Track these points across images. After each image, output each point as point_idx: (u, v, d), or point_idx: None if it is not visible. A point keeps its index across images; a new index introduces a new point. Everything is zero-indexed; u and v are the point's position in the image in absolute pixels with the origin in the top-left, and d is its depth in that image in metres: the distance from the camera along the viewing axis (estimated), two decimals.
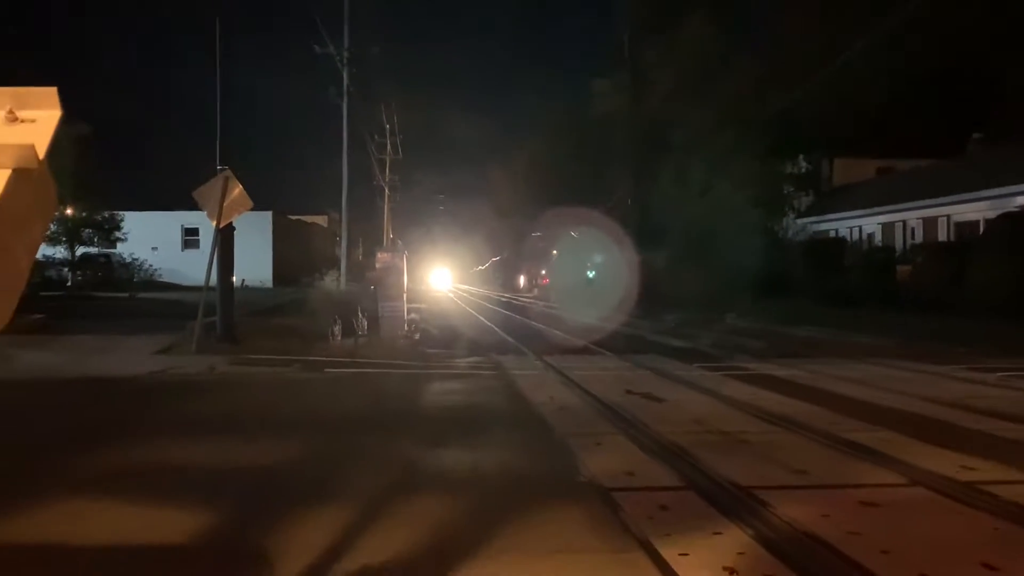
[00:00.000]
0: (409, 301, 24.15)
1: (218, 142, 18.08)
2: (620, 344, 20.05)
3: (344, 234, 36.84)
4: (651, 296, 36.12)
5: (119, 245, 45.46)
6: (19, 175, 2.28)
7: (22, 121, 2.40)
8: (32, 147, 2.30)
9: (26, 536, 5.28)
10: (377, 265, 23.02)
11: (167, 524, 5.49)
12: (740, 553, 4.83)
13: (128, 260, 46.82)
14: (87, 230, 42.96)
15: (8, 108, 2.40)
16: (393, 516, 5.63)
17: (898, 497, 6.16)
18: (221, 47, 18.04)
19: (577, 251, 56.23)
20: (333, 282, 32.49)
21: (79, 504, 5.94)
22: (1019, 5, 36.09)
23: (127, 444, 8.21)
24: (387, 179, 61.23)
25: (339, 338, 18.22)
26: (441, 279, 66.30)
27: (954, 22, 36.48)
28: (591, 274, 52.28)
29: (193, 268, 37.64)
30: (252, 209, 17.90)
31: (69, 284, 41.15)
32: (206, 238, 46.39)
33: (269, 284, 51.53)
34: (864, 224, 40.23)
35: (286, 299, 31.95)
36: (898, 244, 36.72)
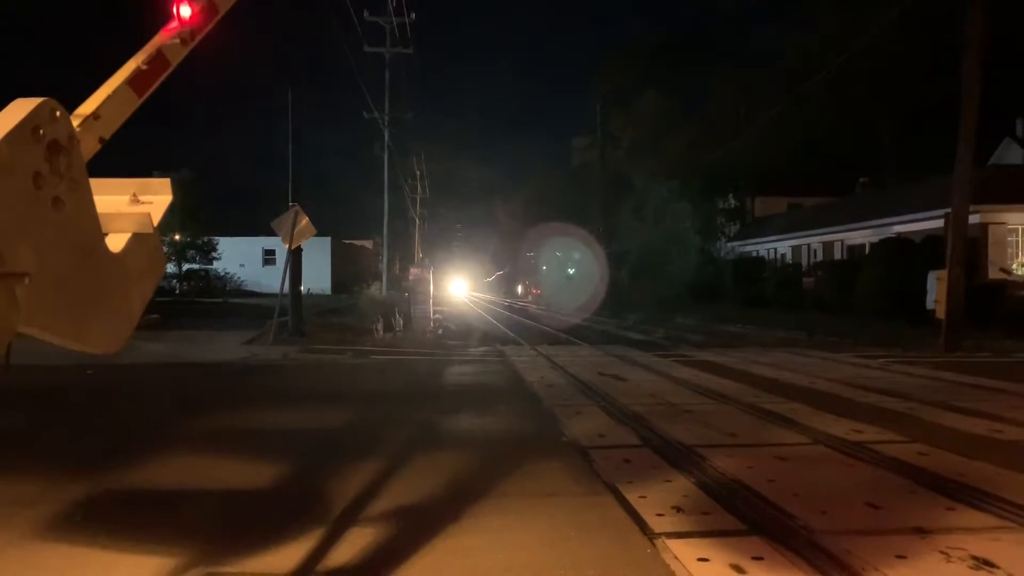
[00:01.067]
0: (434, 305, 24.14)
1: (290, 184, 18.12)
2: (593, 337, 20.04)
3: (385, 254, 37.06)
4: (617, 301, 36.11)
5: (215, 262, 45.49)
6: (137, 238, 2.34)
7: (142, 202, 2.47)
8: (148, 215, 2.38)
9: (150, 482, 5.29)
10: (410, 277, 23.09)
11: (253, 472, 5.49)
12: (685, 495, 4.83)
13: (222, 274, 46.78)
14: (191, 251, 43.14)
15: (133, 193, 2.46)
16: (421, 466, 5.63)
17: (804, 453, 6.15)
18: (293, 112, 18.09)
19: (560, 267, 56.24)
20: (377, 290, 32.53)
21: (188, 458, 5.94)
22: (891, 87, 36.28)
23: (223, 412, 8.22)
24: (418, 212, 61.33)
25: (381, 332, 18.21)
26: (459, 288, 66.04)
27: (845, 95, 36.65)
28: (570, 284, 52.19)
29: (271, 280, 37.67)
30: (316, 235, 17.90)
31: (177, 292, 41.18)
32: (281, 257, 46.32)
33: (328, 292, 51.41)
34: (778, 246, 40.23)
35: (341, 303, 31.93)
36: (804, 261, 36.72)
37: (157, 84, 2.74)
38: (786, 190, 45.40)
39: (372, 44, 32.88)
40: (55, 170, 1.93)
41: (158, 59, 2.74)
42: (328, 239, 53.77)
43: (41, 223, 1.86)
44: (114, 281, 2.23)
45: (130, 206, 2.44)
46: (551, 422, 7.53)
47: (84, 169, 2.08)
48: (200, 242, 43.38)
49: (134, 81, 2.69)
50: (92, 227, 2.11)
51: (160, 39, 2.82)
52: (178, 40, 2.80)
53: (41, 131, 1.90)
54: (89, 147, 2.35)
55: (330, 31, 28.95)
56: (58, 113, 1.98)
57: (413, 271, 24.17)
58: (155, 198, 2.49)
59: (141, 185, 2.50)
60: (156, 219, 2.41)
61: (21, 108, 1.89)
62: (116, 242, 2.29)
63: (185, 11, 2.76)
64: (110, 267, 2.21)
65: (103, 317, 2.18)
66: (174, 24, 2.83)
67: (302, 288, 18.83)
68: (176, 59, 2.81)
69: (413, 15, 32.91)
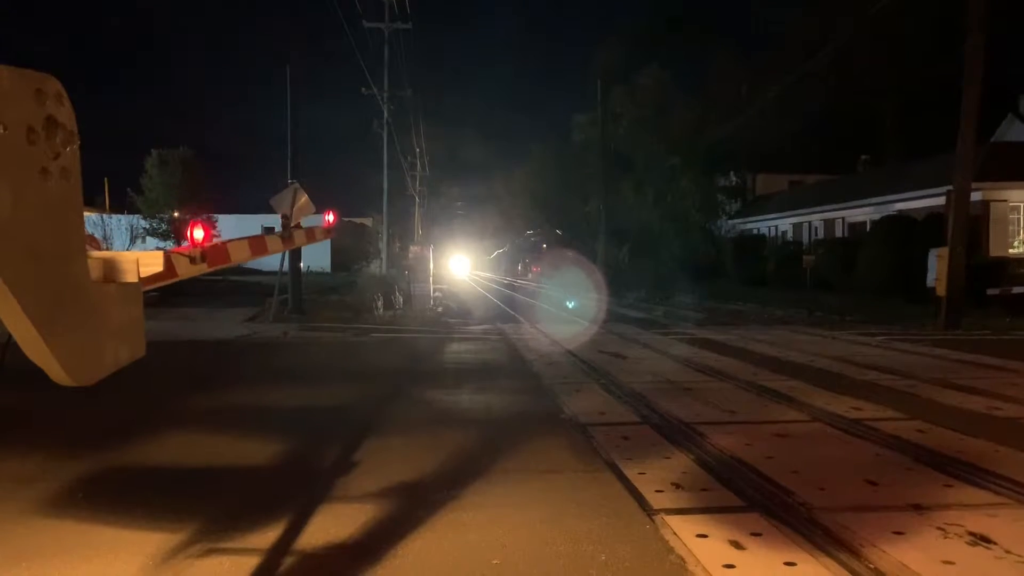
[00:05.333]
0: (434, 283, 24.12)
1: (289, 161, 18.04)
2: (593, 315, 20.02)
3: (384, 232, 36.93)
4: (617, 280, 36.01)
5: (214, 239, 45.40)
6: (121, 288, 2.44)
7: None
8: (135, 261, 2.49)
9: (151, 460, 5.31)
10: (410, 256, 23.06)
11: (255, 449, 5.52)
12: (684, 472, 4.85)
13: None
14: None
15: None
16: (421, 443, 5.65)
17: (803, 430, 6.18)
18: (291, 88, 17.97)
19: (560, 246, 56.09)
20: (376, 268, 32.46)
21: (189, 435, 5.97)
22: (894, 64, 36.01)
23: (224, 390, 8.24)
24: (417, 190, 61.08)
25: (381, 310, 18.21)
26: (460, 267, 65.75)
27: (847, 73, 36.40)
28: (571, 263, 52.06)
29: (270, 258, 37.57)
30: (315, 213, 17.79)
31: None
32: None
33: (328, 270, 51.33)
34: (779, 224, 40.12)
35: (341, 282, 31.89)
36: (804, 239, 36.61)
37: (158, 285, 2.96)
38: (787, 167, 45.21)
39: (371, 19, 32.55)
40: (49, 140, 1.95)
41: (167, 263, 2.99)
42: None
43: (23, 173, 1.87)
44: (91, 307, 2.22)
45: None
46: (551, 399, 7.55)
47: (78, 169, 2.10)
48: (199, 219, 43.35)
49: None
50: (76, 228, 2.12)
51: (174, 250, 3.18)
52: (188, 258, 3.15)
53: (43, 93, 1.93)
54: None
55: (329, 6, 28.67)
56: (63, 96, 2.01)
57: (413, 249, 24.15)
58: (145, 268, 2.61)
59: (135, 256, 2.65)
60: (142, 274, 2.51)
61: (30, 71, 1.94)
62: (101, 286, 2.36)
63: (198, 234, 3.23)
64: (90, 290, 2.22)
65: (75, 334, 2.14)
66: (187, 244, 3.26)
67: (301, 266, 18.80)
68: (183, 273, 3.13)
69: None
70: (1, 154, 1.79)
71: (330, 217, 6.11)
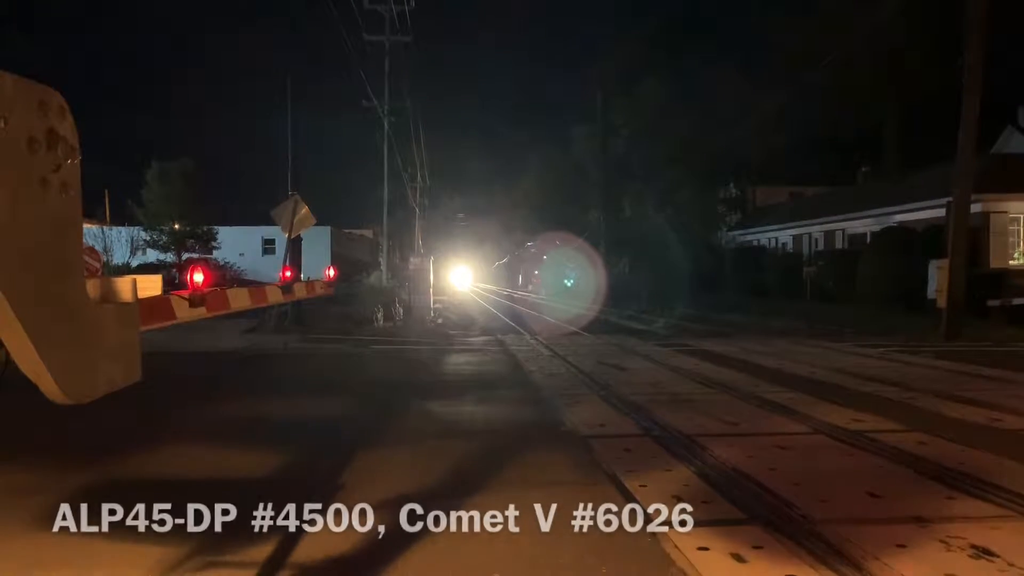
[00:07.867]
0: (435, 294, 24.12)
1: (289, 173, 18.13)
2: (593, 327, 20.00)
3: (384, 244, 37.04)
4: (616, 291, 36.00)
5: (215, 251, 45.42)
6: (117, 309, 2.46)
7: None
8: (132, 280, 2.53)
9: (151, 471, 5.31)
10: (410, 267, 23.07)
11: (254, 461, 5.50)
12: (685, 484, 4.84)
13: (222, 263, 46.74)
14: (190, 240, 43.09)
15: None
16: (422, 455, 5.64)
17: (804, 442, 6.17)
18: (292, 100, 18.07)
19: (561, 257, 56.06)
20: (377, 280, 32.49)
21: (189, 447, 5.96)
22: (894, 75, 36.12)
23: (224, 401, 8.22)
24: (418, 202, 61.15)
25: (381, 322, 18.22)
26: (462, 279, 65.61)
27: (847, 84, 36.48)
28: (571, 274, 52.04)
29: (270, 269, 37.59)
30: (315, 224, 17.83)
31: (176, 281, 41.16)
32: (280, 246, 45.99)
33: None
34: (780, 235, 40.14)
35: (341, 293, 31.85)
36: (805, 251, 36.61)
37: (156, 326, 3.09)
38: (788, 179, 45.32)
39: (371, 32, 32.69)
40: (50, 151, 1.95)
41: (164, 304, 3.14)
42: (328, 228, 53.60)
43: (23, 180, 1.86)
44: (86, 324, 2.20)
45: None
46: (552, 411, 7.55)
47: (79, 184, 2.10)
48: (200, 231, 43.30)
49: (144, 304, 2.98)
50: (74, 242, 2.11)
51: (174, 293, 3.40)
52: (187, 302, 3.37)
53: (46, 105, 1.93)
54: None
55: (330, 19, 28.82)
56: (66, 110, 2.01)
57: (413, 261, 24.20)
58: (143, 291, 2.68)
59: (132, 277, 2.71)
60: (140, 295, 2.55)
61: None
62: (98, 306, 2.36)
63: (199, 277, 3.49)
64: (86, 307, 2.21)
65: (69, 349, 2.12)
66: (187, 290, 3.51)
67: (302, 277, 18.82)
68: (182, 316, 3.32)
69: (412, 2, 32.69)
70: (1, 156, 1.79)
71: (331, 272, 6.39)
